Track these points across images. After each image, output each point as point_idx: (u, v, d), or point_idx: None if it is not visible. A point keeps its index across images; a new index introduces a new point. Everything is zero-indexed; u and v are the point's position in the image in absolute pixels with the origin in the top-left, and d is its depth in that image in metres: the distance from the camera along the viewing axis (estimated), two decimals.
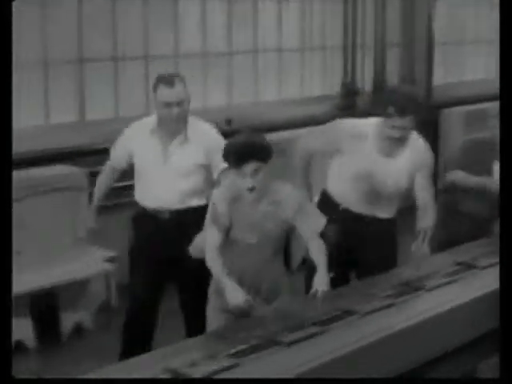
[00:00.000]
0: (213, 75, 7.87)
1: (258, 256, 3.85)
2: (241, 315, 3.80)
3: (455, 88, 9.98)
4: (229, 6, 7.93)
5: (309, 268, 4.54)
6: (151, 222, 4.56)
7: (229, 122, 7.17)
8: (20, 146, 6.07)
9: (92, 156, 6.01)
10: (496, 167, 5.00)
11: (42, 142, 6.23)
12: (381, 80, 8.89)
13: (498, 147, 4.60)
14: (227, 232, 3.85)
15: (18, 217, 5.44)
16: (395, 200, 4.60)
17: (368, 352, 3.59)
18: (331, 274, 3.79)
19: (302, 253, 4.06)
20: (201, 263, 4.10)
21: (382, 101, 4.48)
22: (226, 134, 4.49)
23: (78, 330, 5.75)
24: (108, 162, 4.78)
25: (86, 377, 3.31)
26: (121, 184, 5.21)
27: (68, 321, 5.72)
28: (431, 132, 8.82)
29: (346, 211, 4.57)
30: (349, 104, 8.53)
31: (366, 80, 8.86)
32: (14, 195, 5.50)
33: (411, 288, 4.18)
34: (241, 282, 3.79)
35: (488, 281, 4.22)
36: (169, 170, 4.45)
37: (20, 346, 5.48)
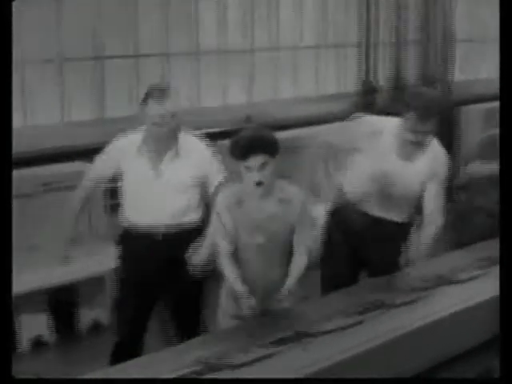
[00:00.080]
0: (232, 72, 7.87)
1: (267, 256, 3.83)
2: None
3: (474, 85, 9.92)
4: (247, 3, 7.93)
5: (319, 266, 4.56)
6: (143, 240, 4.31)
7: (248, 119, 7.18)
8: (36, 143, 6.14)
9: None
10: None
11: (59, 139, 6.27)
12: (399, 77, 8.87)
13: None
14: (235, 237, 3.83)
15: (35, 213, 5.50)
16: (409, 204, 4.52)
17: (387, 350, 3.63)
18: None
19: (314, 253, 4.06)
20: (192, 281, 4.18)
21: (403, 103, 4.34)
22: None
23: (96, 326, 5.78)
24: (86, 183, 4.49)
25: (86, 377, 3.34)
26: None
27: (86, 317, 5.76)
28: (450, 129, 8.81)
29: (359, 212, 4.52)
30: (367, 102, 8.52)
31: (383, 77, 8.84)
32: (32, 191, 5.55)
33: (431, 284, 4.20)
34: (252, 283, 3.80)
35: None
36: (162, 187, 4.24)
37: (39, 341, 5.53)
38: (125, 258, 4.44)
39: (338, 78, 8.82)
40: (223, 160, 4.34)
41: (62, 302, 5.69)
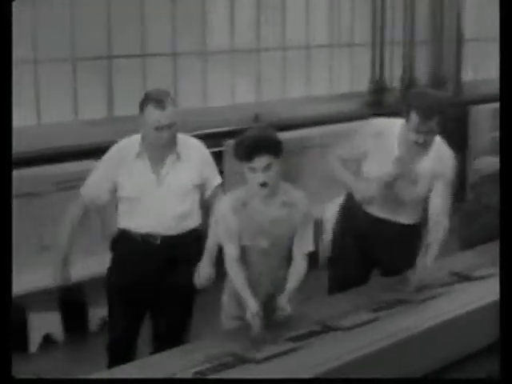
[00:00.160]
0: (241, 72, 7.88)
1: (270, 259, 3.82)
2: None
3: (484, 85, 9.91)
4: (257, 2, 7.93)
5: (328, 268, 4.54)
6: (140, 245, 4.18)
7: (257, 118, 7.18)
8: (48, 142, 6.15)
9: None
10: None
11: (71, 138, 6.28)
12: (411, 77, 8.87)
13: None
14: (240, 240, 3.80)
15: (46, 212, 5.51)
16: (416, 206, 4.49)
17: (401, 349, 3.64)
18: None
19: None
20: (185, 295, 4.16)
21: (405, 103, 4.29)
22: None
23: (106, 324, 5.78)
24: (82, 200, 4.29)
25: (86, 377, 3.35)
26: None
27: (95, 316, 5.77)
28: (460, 129, 8.80)
29: (368, 214, 4.50)
30: (378, 101, 8.51)
31: (394, 77, 8.84)
32: (43, 190, 5.57)
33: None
34: (255, 286, 3.78)
35: None
36: (164, 192, 4.13)
37: (48, 340, 5.55)
38: (119, 262, 4.29)
39: (352, 77, 8.83)
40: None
41: (71, 301, 5.70)
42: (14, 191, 5.34)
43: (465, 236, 5.38)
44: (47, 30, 6.36)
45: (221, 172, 6.13)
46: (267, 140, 3.70)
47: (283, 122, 7.32)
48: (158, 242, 4.16)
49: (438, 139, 4.38)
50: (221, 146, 6.46)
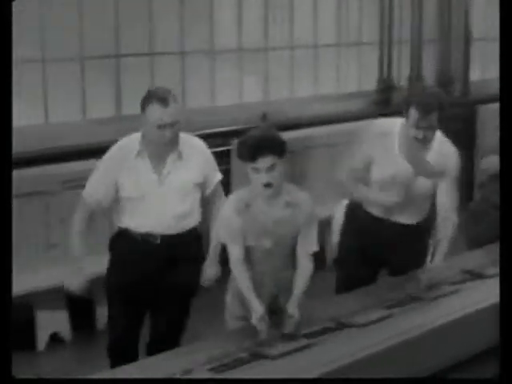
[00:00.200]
0: (249, 71, 7.88)
1: (274, 259, 3.81)
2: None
3: (492, 84, 9.88)
4: (265, 1, 7.93)
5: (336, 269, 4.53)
6: (140, 244, 4.13)
7: (264, 117, 7.18)
8: (56, 141, 6.16)
9: None
10: None
11: (79, 137, 6.29)
12: (418, 76, 8.86)
13: None
14: (244, 241, 3.78)
15: (54, 211, 5.52)
16: (423, 204, 4.47)
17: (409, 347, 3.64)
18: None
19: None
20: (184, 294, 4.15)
21: (404, 101, 4.29)
22: None
23: None
24: (85, 202, 4.22)
25: (86, 377, 3.35)
26: None
27: (102, 315, 5.77)
28: (468, 128, 8.79)
29: (372, 216, 4.49)
30: (385, 100, 8.50)
31: (402, 76, 8.83)
32: (52, 189, 5.58)
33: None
34: (259, 286, 3.77)
35: None
36: (165, 192, 4.09)
37: (56, 338, 5.56)
38: (119, 262, 4.24)
39: (359, 76, 8.82)
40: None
41: (79, 300, 5.69)
42: (22, 190, 5.38)
43: (472, 235, 5.37)
44: (55, 29, 6.37)
45: (228, 171, 6.17)
46: (271, 140, 3.68)
47: (291, 121, 7.32)
48: (158, 241, 4.13)
49: (440, 136, 4.37)
50: (228, 144, 6.46)
